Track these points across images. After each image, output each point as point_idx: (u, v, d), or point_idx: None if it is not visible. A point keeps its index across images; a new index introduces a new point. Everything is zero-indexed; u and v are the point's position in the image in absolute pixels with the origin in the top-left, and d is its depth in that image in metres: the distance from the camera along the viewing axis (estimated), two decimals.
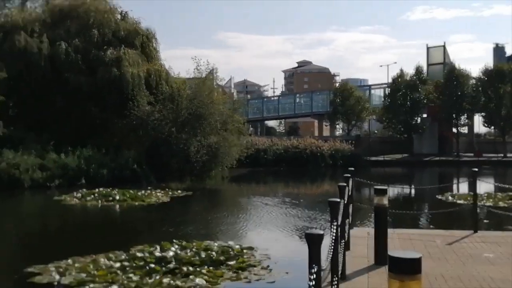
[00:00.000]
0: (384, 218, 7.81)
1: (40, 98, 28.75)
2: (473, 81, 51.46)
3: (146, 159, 28.04)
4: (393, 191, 23.44)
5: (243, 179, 33.29)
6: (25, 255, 11.42)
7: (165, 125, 29.61)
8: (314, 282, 3.02)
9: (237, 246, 10.66)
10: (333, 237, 4.80)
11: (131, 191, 20.81)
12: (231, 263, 9.37)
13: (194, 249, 10.27)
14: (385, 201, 7.79)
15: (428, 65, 55.76)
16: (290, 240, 12.87)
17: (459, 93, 49.13)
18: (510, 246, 8.80)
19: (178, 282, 8.24)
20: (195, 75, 32.73)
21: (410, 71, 53.15)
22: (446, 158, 48.31)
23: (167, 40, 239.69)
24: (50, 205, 19.62)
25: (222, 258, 9.64)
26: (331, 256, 4.48)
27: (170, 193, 21.66)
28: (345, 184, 6.98)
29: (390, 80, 56.08)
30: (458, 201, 18.35)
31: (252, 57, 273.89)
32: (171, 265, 9.10)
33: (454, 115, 50.31)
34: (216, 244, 10.91)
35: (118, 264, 9.26)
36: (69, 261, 9.66)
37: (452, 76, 50.03)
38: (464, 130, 55.88)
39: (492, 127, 54.26)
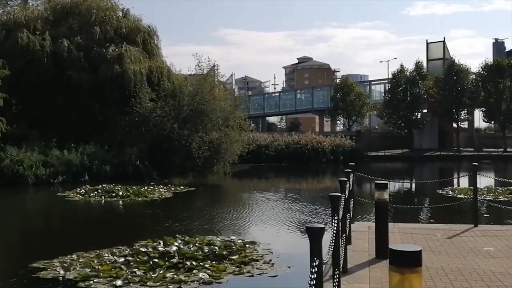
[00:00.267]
0: (385, 213, 7.91)
1: (42, 95, 28.82)
2: (473, 76, 51.44)
3: (148, 156, 28.14)
4: (393, 185, 23.54)
5: (245, 174, 33.40)
6: (29, 251, 11.53)
7: (167, 122, 29.71)
8: (315, 276, 3.05)
9: (240, 241, 10.74)
10: (334, 231, 4.90)
11: (134, 187, 20.91)
12: (234, 257, 9.44)
13: (197, 244, 10.36)
14: (386, 196, 7.89)
15: (428, 60, 55.72)
16: (292, 235, 12.94)
17: (459, 88, 49.13)
18: (510, 240, 8.90)
19: (182, 277, 8.33)
20: (196, 72, 32.83)
21: (410, 66, 53.27)
22: (446, 153, 48.38)
23: (168, 37, 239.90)
24: (54, 201, 19.70)
25: (224, 252, 9.72)
26: (332, 250, 4.56)
27: (173, 189, 21.77)
28: (346, 179, 7.03)
29: (390, 76, 56.13)
30: (459, 196, 18.47)
31: (253, 53, 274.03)
32: (175, 260, 9.18)
33: (454, 110, 50.33)
34: (218, 239, 11.00)
35: (122, 259, 9.35)
36: (74, 256, 9.76)
37: (452, 71, 50.02)
38: (464, 125, 55.91)
39: (492, 122, 54.29)
